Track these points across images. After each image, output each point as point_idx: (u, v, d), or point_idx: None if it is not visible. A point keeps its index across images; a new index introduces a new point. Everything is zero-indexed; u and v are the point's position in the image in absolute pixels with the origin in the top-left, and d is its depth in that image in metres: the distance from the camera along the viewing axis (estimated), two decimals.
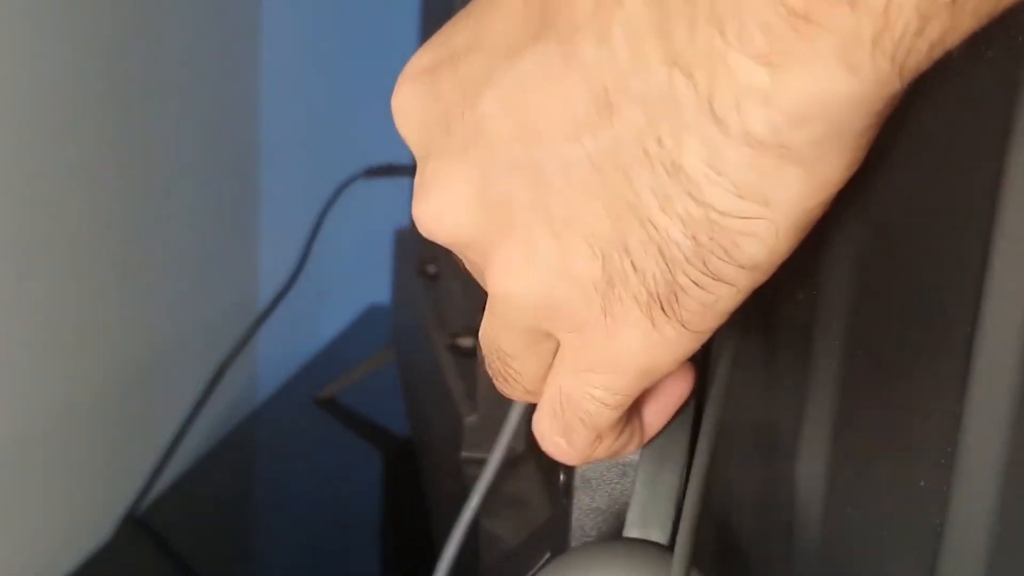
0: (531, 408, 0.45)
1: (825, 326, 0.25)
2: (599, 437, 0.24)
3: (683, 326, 0.20)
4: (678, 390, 0.26)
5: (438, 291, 0.71)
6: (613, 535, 0.33)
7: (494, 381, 0.26)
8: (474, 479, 0.39)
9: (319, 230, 0.93)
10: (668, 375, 0.23)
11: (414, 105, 0.22)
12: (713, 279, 0.19)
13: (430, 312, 0.69)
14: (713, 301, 0.20)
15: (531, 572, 0.26)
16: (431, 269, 0.75)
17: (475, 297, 0.37)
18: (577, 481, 0.33)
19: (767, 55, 0.16)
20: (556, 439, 0.24)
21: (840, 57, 0.16)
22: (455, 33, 0.22)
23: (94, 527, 0.73)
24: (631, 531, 0.26)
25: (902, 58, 0.16)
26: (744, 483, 0.30)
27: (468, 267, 0.24)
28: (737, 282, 0.20)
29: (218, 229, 1.04)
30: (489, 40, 0.20)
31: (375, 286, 1.16)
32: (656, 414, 0.26)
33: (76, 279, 0.72)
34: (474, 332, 0.54)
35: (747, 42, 0.16)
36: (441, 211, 0.21)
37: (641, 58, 0.18)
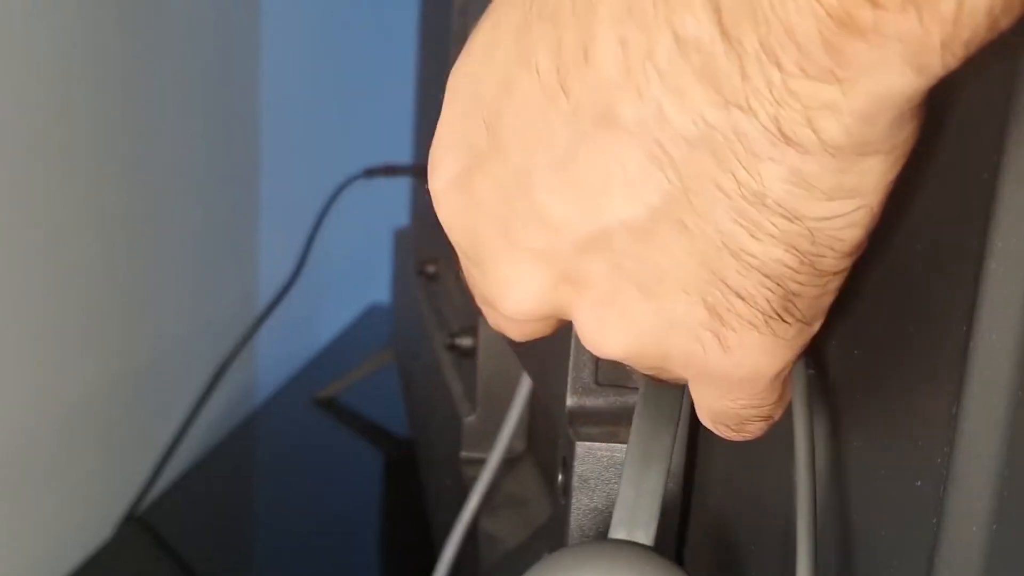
0: (530, 408, 0.45)
1: (822, 326, 0.25)
2: (770, 417, 0.24)
3: (803, 322, 0.21)
4: None
5: (438, 291, 0.71)
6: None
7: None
8: (473, 479, 0.39)
9: (319, 230, 0.93)
10: None
11: (464, 215, 0.23)
12: (822, 276, 0.20)
13: (430, 312, 0.69)
14: (825, 290, 0.20)
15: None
16: (430, 269, 0.75)
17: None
18: (576, 481, 0.33)
19: (832, 70, 0.16)
20: (728, 433, 0.25)
21: (910, 61, 0.16)
22: (467, 131, 0.22)
23: (94, 527, 0.73)
24: (616, 532, 0.26)
25: (970, 51, 0.16)
26: (741, 483, 0.31)
27: None
28: (843, 266, 0.20)
29: (218, 229, 1.04)
30: (515, 139, 0.21)
31: (375, 286, 1.16)
32: None
33: (76, 279, 0.72)
34: (473, 332, 0.54)
35: (810, 65, 0.16)
36: (526, 309, 0.22)
37: (690, 105, 0.18)
